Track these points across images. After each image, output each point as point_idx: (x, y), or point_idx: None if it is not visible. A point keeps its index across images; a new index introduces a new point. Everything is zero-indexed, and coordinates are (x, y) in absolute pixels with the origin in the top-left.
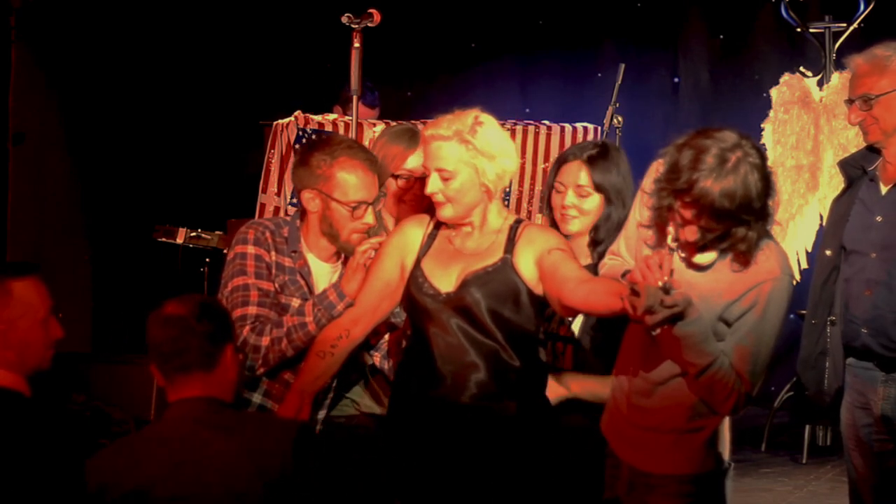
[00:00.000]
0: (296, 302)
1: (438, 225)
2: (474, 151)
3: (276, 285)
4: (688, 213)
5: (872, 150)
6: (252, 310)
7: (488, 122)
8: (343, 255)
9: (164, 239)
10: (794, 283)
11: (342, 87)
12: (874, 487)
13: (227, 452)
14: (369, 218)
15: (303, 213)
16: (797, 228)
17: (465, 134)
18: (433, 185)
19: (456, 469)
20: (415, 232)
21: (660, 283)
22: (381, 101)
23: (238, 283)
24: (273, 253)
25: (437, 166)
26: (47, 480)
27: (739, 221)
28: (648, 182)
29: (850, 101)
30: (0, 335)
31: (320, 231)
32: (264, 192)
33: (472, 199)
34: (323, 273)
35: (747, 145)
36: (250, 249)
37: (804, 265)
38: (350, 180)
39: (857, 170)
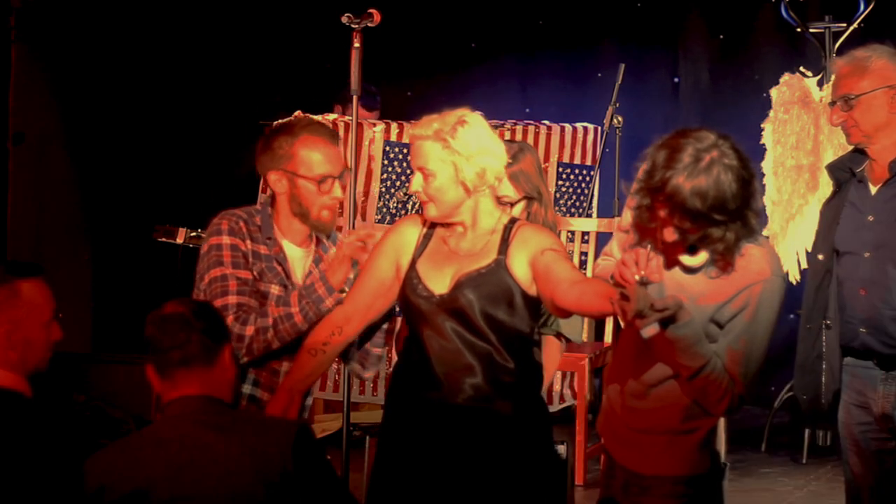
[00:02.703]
0: (275, 288)
1: (434, 226)
2: (451, 150)
3: (255, 273)
4: (662, 212)
5: (859, 152)
6: (233, 299)
7: (473, 121)
8: (316, 238)
9: (164, 239)
10: (795, 282)
11: (345, 86)
12: (871, 488)
13: (228, 454)
14: (337, 192)
15: (272, 200)
16: (797, 229)
17: (443, 133)
18: (416, 184)
19: (452, 471)
20: (410, 231)
21: (637, 278)
22: (381, 100)
23: (216, 273)
24: (248, 241)
25: (418, 165)
26: (48, 481)
27: (713, 222)
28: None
29: (832, 103)
30: (5, 335)
31: (291, 212)
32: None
33: (453, 197)
34: (297, 257)
35: (724, 146)
36: (225, 240)
37: (804, 265)
38: (313, 156)
39: (845, 173)
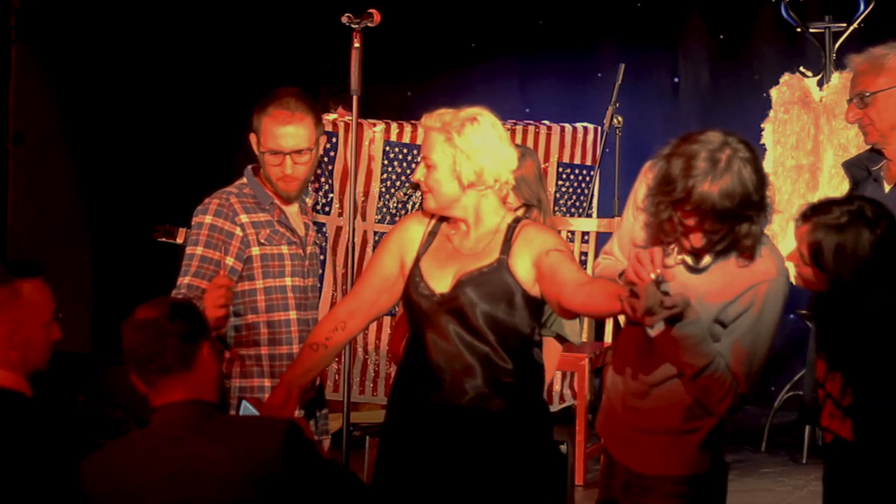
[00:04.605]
0: (284, 249)
1: (440, 223)
2: (453, 144)
3: (262, 239)
4: (691, 221)
5: (876, 151)
6: (186, 279)
7: (485, 122)
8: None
9: (164, 239)
10: (795, 283)
11: (341, 87)
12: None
13: (218, 459)
14: (286, 167)
15: (255, 168)
16: None
17: (450, 127)
18: (418, 173)
19: (453, 471)
20: (415, 228)
21: (652, 276)
22: (381, 100)
23: (189, 251)
24: (242, 216)
25: (423, 154)
26: (48, 480)
27: (743, 218)
28: (641, 192)
29: (849, 101)
30: (6, 335)
31: (263, 176)
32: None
33: (449, 191)
34: (294, 213)
35: (734, 141)
36: (207, 219)
37: None
38: (269, 129)
39: (861, 171)
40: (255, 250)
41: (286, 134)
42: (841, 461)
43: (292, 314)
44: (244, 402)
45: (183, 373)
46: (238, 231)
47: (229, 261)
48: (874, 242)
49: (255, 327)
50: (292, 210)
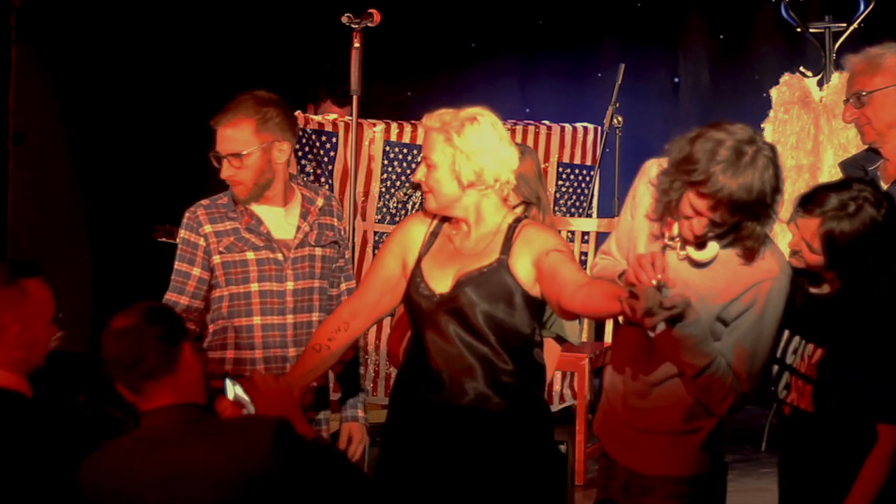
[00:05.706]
0: (249, 255)
1: (441, 223)
2: (452, 144)
3: (222, 248)
4: (702, 205)
5: (873, 151)
6: (166, 295)
7: (484, 122)
8: (302, 195)
9: (164, 239)
10: None
11: (319, 84)
12: None
13: (214, 460)
14: (224, 170)
15: None
16: None
17: (449, 127)
18: (419, 173)
19: (453, 471)
20: (417, 229)
21: (654, 282)
22: (381, 100)
23: (174, 268)
24: (206, 226)
25: (424, 154)
26: (48, 481)
27: (752, 216)
28: (640, 191)
29: (846, 101)
30: (12, 334)
31: None
32: None
33: (449, 191)
34: (276, 216)
35: (761, 141)
36: (182, 234)
37: None
38: (216, 132)
39: (858, 170)
40: (217, 259)
41: (222, 137)
42: (799, 432)
43: (256, 319)
44: (228, 381)
45: (168, 375)
46: (201, 241)
47: (196, 271)
48: (880, 223)
49: (223, 332)
50: (276, 213)
